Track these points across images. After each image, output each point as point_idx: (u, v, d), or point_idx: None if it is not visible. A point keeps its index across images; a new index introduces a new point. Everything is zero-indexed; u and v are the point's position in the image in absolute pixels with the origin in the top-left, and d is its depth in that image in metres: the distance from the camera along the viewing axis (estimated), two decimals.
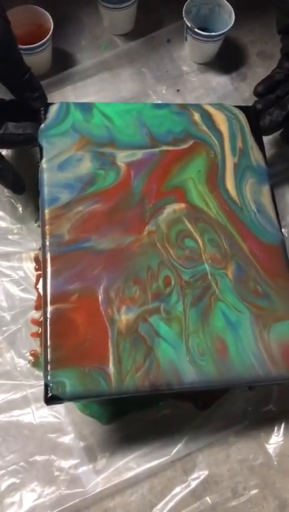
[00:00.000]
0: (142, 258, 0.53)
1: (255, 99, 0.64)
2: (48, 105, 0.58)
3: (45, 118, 0.57)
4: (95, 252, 0.52)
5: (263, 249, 0.55)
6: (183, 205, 0.56)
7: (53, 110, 0.57)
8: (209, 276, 0.53)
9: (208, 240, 0.55)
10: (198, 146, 0.59)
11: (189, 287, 0.52)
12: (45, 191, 0.54)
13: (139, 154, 0.57)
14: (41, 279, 0.61)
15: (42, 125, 0.56)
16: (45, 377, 0.47)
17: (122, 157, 0.57)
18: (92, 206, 0.54)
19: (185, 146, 0.59)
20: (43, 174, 0.55)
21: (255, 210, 0.57)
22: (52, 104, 0.58)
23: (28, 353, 0.59)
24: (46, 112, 0.57)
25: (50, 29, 0.67)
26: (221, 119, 0.61)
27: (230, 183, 0.58)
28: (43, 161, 0.55)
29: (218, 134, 0.60)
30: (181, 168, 0.58)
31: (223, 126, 0.61)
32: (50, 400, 0.46)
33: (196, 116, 0.61)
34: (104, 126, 0.58)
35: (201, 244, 0.54)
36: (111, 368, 0.48)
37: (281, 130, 0.63)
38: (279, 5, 0.59)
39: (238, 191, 0.58)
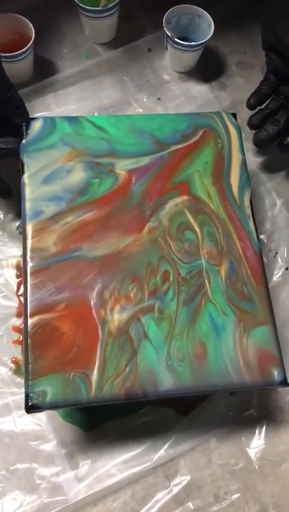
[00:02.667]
0: (141, 255, 0.53)
1: (235, 107, 0.67)
2: (29, 120, 0.58)
3: (26, 134, 0.57)
4: (86, 260, 0.52)
5: (251, 253, 0.56)
6: (186, 197, 0.57)
7: (36, 125, 0.57)
8: (204, 273, 0.54)
9: (207, 233, 0.55)
10: (208, 134, 0.60)
11: (185, 284, 0.53)
12: (27, 206, 0.54)
13: (145, 160, 0.57)
14: (22, 287, 0.61)
15: (23, 141, 0.57)
16: (26, 387, 0.48)
17: (123, 165, 0.57)
18: (84, 215, 0.54)
19: (195, 138, 0.59)
20: (24, 189, 0.55)
21: (248, 214, 0.57)
22: (34, 119, 0.58)
23: (10, 361, 0.59)
24: (28, 127, 0.57)
25: (31, 37, 0.67)
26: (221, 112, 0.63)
27: (234, 180, 0.58)
28: (25, 175, 0.55)
29: (222, 119, 0.61)
30: (190, 162, 0.58)
31: (224, 114, 0.62)
32: (30, 408, 0.48)
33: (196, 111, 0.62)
34: (100, 138, 0.58)
35: (199, 237, 0.55)
36: (94, 374, 0.49)
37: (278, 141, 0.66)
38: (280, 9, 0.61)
39: (240, 190, 0.58)
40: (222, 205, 0.57)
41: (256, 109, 0.67)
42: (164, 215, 0.55)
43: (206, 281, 0.53)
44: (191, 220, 0.56)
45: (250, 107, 0.67)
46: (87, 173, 0.56)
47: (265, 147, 0.66)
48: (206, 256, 0.55)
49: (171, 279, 0.53)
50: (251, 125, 0.67)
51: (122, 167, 0.57)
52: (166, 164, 0.58)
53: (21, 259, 0.62)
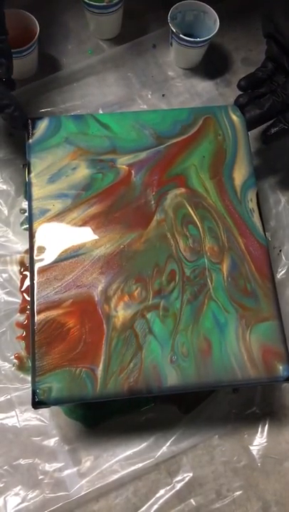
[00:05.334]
0: (148, 254, 0.54)
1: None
2: (35, 120, 0.58)
3: (32, 133, 0.57)
4: (90, 259, 0.53)
5: (256, 248, 0.55)
6: (183, 189, 0.56)
7: (42, 125, 0.58)
8: (206, 272, 0.54)
9: (208, 228, 0.55)
10: (208, 123, 0.60)
11: (189, 283, 0.53)
12: (34, 205, 0.54)
13: (143, 154, 0.58)
14: (26, 283, 0.61)
15: (30, 140, 0.57)
16: (33, 383, 0.48)
17: (124, 160, 0.57)
18: (88, 210, 0.55)
19: (195, 129, 0.59)
20: (31, 189, 0.55)
21: (251, 209, 0.57)
22: (40, 118, 0.58)
23: (13, 356, 0.59)
24: (34, 127, 0.57)
25: (36, 33, 0.67)
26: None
27: (237, 174, 0.58)
28: (32, 175, 0.55)
29: (227, 112, 0.61)
30: (186, 155, 0.58)
31: (230, 107, 0.62)
32: (37, 404, 0.48)
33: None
34: (104, 137, 0.58)
35: (201, 232, 0.55)
36: (100, 369, 0.49)
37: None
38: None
39: (243, 185, 0.57)
40: (220, 199, 0.57)
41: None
42: (168, 205, 0.56)
43: (209, 281, 0.53)
44: (192, 213, 0.56)
45: (241, 88, 0.65)
46: (90, 170, 0.56)
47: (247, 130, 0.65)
48: (208, 254, 0.54)
49: (177, 278, 0.53)
50: (237, 104, 0.64)
51: (123, 162, 0.57)
52: (162, 158, 0.58)
53: (25, 256, 0.62)
